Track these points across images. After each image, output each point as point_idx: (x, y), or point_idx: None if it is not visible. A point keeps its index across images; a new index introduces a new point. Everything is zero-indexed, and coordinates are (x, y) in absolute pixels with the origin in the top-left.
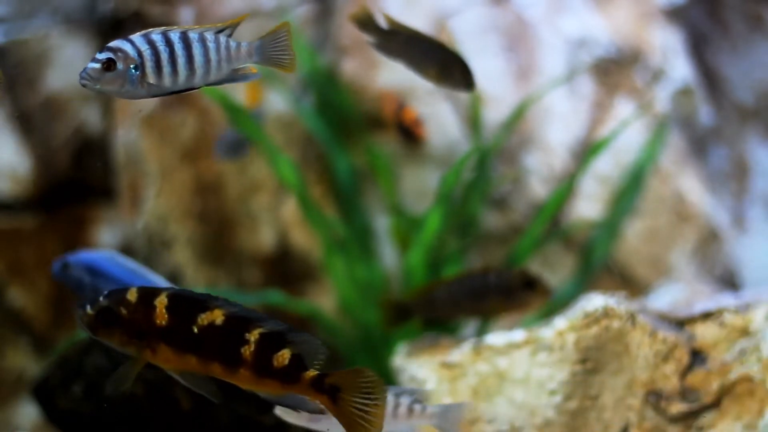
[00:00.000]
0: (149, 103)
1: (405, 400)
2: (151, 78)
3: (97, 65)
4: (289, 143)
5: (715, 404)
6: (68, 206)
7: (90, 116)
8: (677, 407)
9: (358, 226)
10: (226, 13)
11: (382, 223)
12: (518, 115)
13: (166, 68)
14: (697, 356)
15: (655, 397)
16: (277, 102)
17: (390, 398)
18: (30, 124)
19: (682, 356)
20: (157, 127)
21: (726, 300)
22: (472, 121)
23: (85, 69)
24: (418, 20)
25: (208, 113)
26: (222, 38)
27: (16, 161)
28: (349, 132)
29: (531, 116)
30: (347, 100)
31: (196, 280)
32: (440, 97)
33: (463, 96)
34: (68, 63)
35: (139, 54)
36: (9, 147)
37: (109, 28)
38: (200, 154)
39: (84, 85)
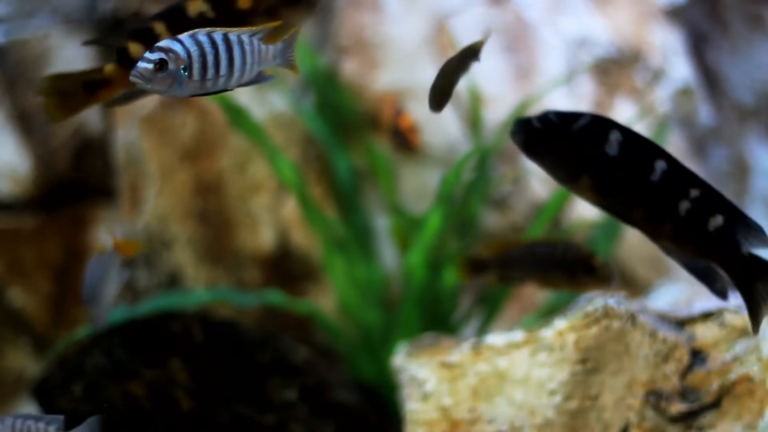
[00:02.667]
0: (149, 103)
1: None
2: (196, 78)
3: (150, 65)
4: (289, 143)
5: (715, 404)
6: (68, 206)
7: (90, 116)
8: (677, 407)
9: (358, 226)
10: None
11: (382, 223)
12: (518, 115)
13: (211, 69)
14: (697, 356)
15: (655, 397)
16: (277, 102)
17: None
18: (30, 124)
19: (682, 356)
20: (157, 127)
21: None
22: (472, 121)
23: (136, 68)
24: (418, 20)
25: (208, 113)
26: (255, 41)
27: (16, 161)
28: (349, 132)
29: None
30: (347, 100)
31: (196, 280)
32: None
33: (464, 96)
34: (68, 63)
35: (188, 55)
36: (9, 147)
37: (109, 28)
38: (200, 154)
39: (135, 84)
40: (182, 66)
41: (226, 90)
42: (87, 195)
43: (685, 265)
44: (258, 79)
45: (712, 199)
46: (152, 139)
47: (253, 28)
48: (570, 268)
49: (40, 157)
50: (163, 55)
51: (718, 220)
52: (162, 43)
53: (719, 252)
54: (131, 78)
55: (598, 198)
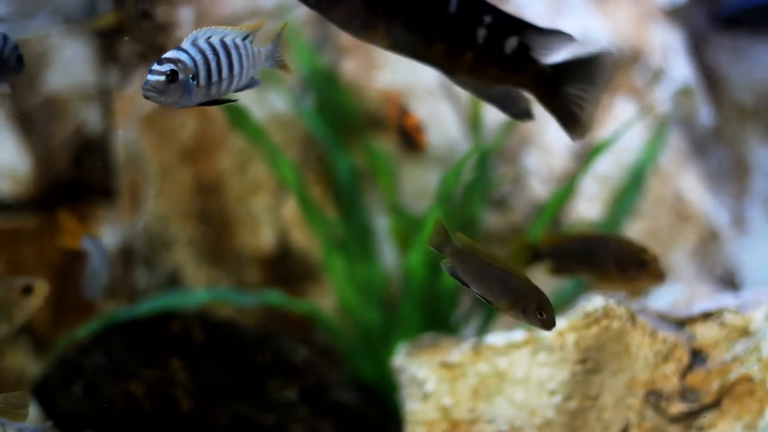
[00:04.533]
0: (149, 103)
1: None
2: (202, 86)
3: (162, 77)
4: (289, 143)
5: (715, 404)
6: (68, 206)
7: (90, 116)
8: (677, 407)
9: (358, 226)
10: (226, 13)
11: (382, 223)
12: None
13: (214, 75)
14: (697, 356)
15: (655, 397)
16: (277, 102)
17: None
18: (30, 124)
19: (682, 356)
20: (157, 127)
21: (726, 300)
22: (472, 121)
23: (147, 81)
24: None
25: (208, 114)
26: (248, 44)
27: (16, 161)
28: (349, 132)
29: None
30: (347, 100)
31: (196, 280)
32: (440, 97)
33: (464, 96)
34: (68, 63)
35: (195, 63)
36: (9, 147)
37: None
38: (200, 154)
39: (148, 97)
40: (190, 75)
41: (229, 101)
42: (87, 195)
43: (481, 95)
44: (251, 84)
45: (505, 22)
46: (152, 139)
47: (243, 29)
48: (622, 263)
49: (40, 157)
50: (173, 66)
51: (513, 42)
52: (169, 54)
53: (519, 72)
54: (143, 92)
55: (396, 42)
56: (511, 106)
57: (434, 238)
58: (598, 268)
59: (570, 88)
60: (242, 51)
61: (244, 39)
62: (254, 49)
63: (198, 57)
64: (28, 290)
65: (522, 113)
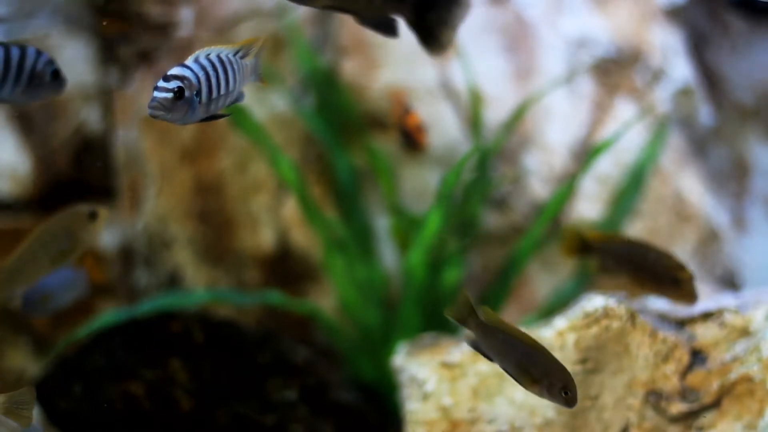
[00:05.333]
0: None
1: None
2: (204, 102)
3: (169, 94)
4: (289, 143)
5: (715, 404)
6: (68, 206)
7: (90, 116)
8: (677, 407)
9: (358, 226)
10: (226, 14)
11: (382, 223)
12: (518, 115)
13: (215, 92)
14: (697, 356)
15: (655, 397)
16: (277, 102)
17: None
18: (30, 124)
19: (682, 356)
20: (157, 127)
21: (726, 300)
22: (472, 121)
23: (155, 98)
24: None
25: None
26: (238, 59)
27: (16, 161)
28: (349, 132)
29: (531, 116)
30: (347, 100)
31: (196, 280)
32: (440, 97)
33: (464, 96)
34: (68, 63)
35: (198, 80)
36: (9, 147)
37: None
38: (200, 154)
39: (155, 115)
40: (195, 92)
41: (224, 116)
42: (87, 195)
43: (364, 23)
44: (238, 98)
45: None
46: (152, 139)
47: (232, 45)
48: (658, 276)
49: (40, 157)
50: (180, 83)
51: None
52: (173, 71)
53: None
54: (150, 110)
55: None
56: (382, 28)
57: (458, 311)
58: (637, 274)
59: (432, 14)
60: (235, 66)
61: (235, 54)
62: (243, 63)
63: (201, 73)
64: (93, 216)
65: (391, 31)
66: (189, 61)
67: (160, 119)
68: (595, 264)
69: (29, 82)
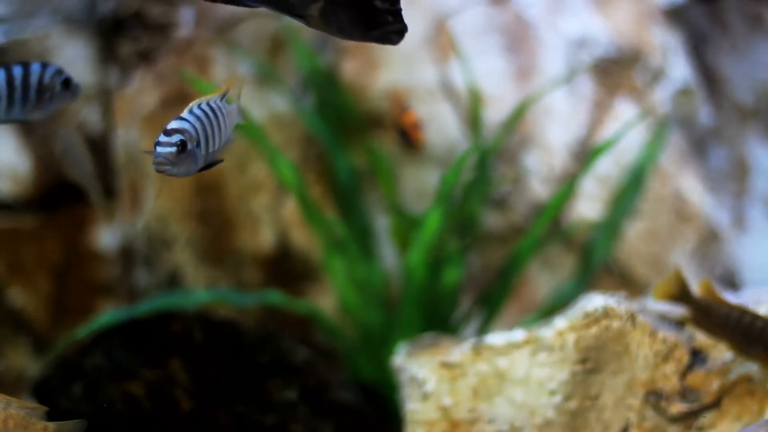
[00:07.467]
0: (149, 103)
1: None
2: (203, 152)
3: (173, 149)
4: (289, 143)
5: (715, 404)
6: (68, 206)
7: (90, 116)
8: (677, 407)
9: (358, 226)
10: (226, 14)
11: (382, 223)
12: (518, 115)
13: (211, 140)
14: (697, 356)
15: (655, 397)
16: (277, 102)
17: None
18: (30, 124)
19: (682, 356)
20: (157, 127)
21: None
22: (472, 121)
23: (159, 154)
24: (418, 20)
25: None
26: (225, 104)
27: (16, 161)
28: (349, 132)
29: (531, 116)
30: (347, 100)
31: (196, 280)
32: (440, 97)
33: (463, 96)
34: (68, 63)
35: (196, 130)
36: (9, 147)
37: (109, 28)
38: None
39: (161, 171)
40: (195, 143)
41: (219, 162)
42: (87, 195)
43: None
44: (229, 140)
45: None
46: (152, 139)
47: (216, 93)
48: (759, 346)
49: (40, 157)
50: (181, 136)
51: None
52: (173, 125)
53: None
54: (156, 166)
55: None
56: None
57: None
58: (733, 341)
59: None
60: (224, 111)
61: (221, 100)
62: (229, 108)
63: (197, 124)
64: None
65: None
66: (185, 114)
67: (167, 174)
68: (689, 315)
69: (38, 97)
